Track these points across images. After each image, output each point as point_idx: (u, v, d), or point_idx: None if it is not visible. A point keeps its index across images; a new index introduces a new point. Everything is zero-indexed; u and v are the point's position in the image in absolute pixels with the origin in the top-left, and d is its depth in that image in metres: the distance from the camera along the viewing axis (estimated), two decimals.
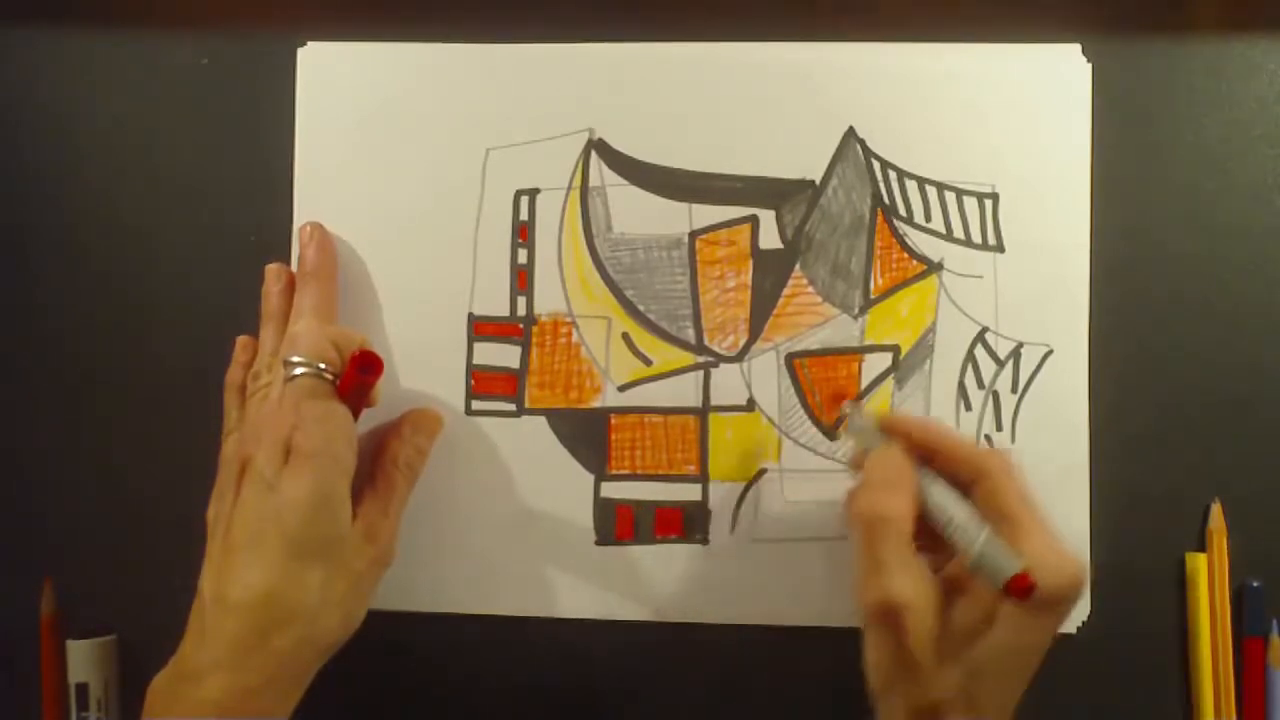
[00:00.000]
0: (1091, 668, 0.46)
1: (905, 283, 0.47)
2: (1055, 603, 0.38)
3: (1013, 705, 0.39)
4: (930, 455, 0.41)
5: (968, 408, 0.47)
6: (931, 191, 0.47)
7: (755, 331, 0.48)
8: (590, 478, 0.48)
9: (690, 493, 0.48)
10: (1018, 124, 0.47)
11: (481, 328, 0.48)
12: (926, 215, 0.47)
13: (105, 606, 0.48)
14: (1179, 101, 0.47)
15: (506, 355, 0.48)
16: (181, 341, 0.48)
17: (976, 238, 0.47)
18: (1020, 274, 0.47)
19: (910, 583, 0.38)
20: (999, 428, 0.47)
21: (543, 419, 0.48)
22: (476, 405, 0.48)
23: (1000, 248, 0.47)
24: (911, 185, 0.47)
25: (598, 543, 0.47)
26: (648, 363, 0.48)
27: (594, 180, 0.48)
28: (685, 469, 0.48)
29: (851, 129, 0.47)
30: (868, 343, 0.47)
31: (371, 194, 0.48)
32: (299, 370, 0.41)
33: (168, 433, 0.48)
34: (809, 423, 0.47)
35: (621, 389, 0.48)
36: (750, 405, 0.48)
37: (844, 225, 0.48)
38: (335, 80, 0.48)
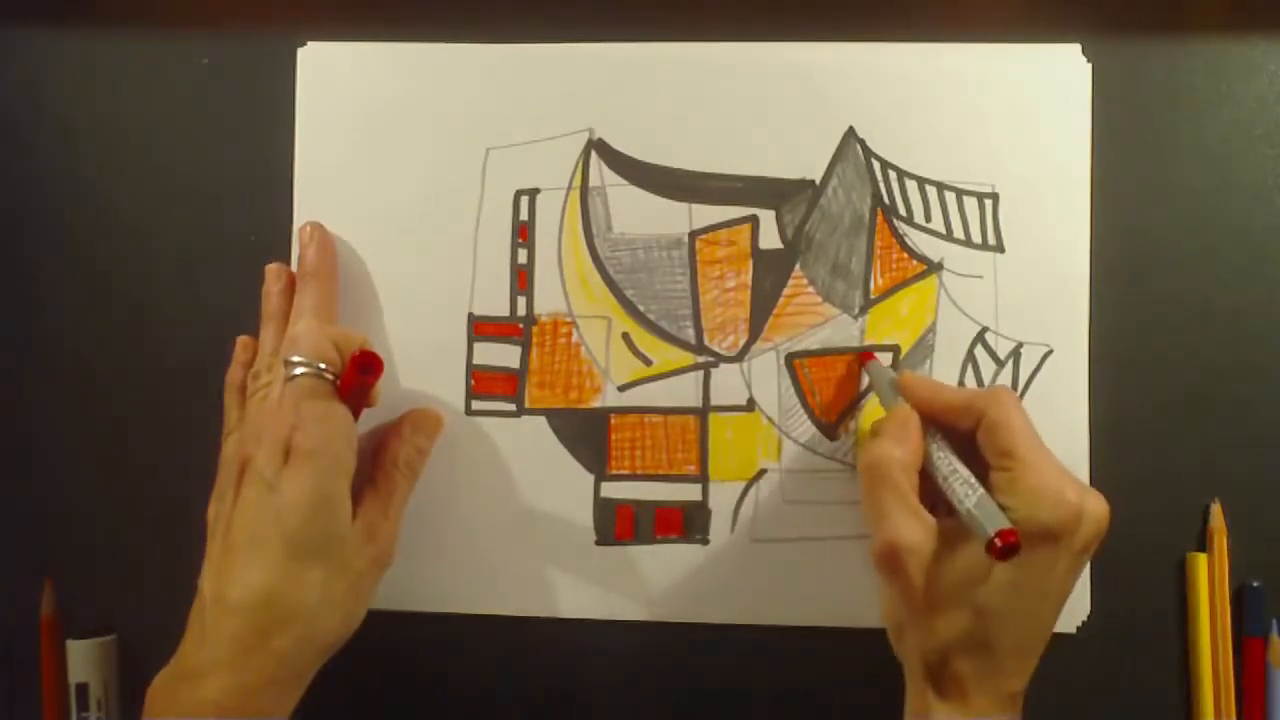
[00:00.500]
0: (1091, 668, 0.46)
1: (905, 283, 0.47)
2: (1052, 538, 0.37)
3: (1033, 654, 0.39)
4: (938, 414, 0.42)
5: None
6: (931, 191, 0.47)
7: (755, 331, 0.48)
8: (590, 478, 0.48)
9: (690, 493, 0.48)
10: (1018, 124, 0.47)
11: (481, 328, 0.48)
12: (926, 215, 0.47)
13: (105, 606, 0.48)
14: (1179, 101, 0.47)
15: (506, 355, 0.48)
16: (181, 341, 0.48)
17: (976, 238, 0.47)
18: (1020, 274, 0.47)
19: (910, 526, 0.38)
20: None
21: (543, 419, 0.48)
22: (476, 405, 0.48)
23: (1000, 248, 0.47)
24: (911, 185, 0.47)
25: (598, 543, 0.47)
26: (648, 363, 0.48)
27: (594, 180, 0.48)
28: (685, 469, 0.48)
29: (851, 129, 0.47)
30: (868, 343, 0.47)
31: (371, 194, 0.48)
32: (299, 370, 0.41)
33: (168, 432, 0.48)
34: (809, 423, 0.47)
35: (621, 389, 0.48)
36: (750, 405, 0.48)
37: (844, 225, 0.48)
38: (335, 80, 0.48)
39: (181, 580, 0.41)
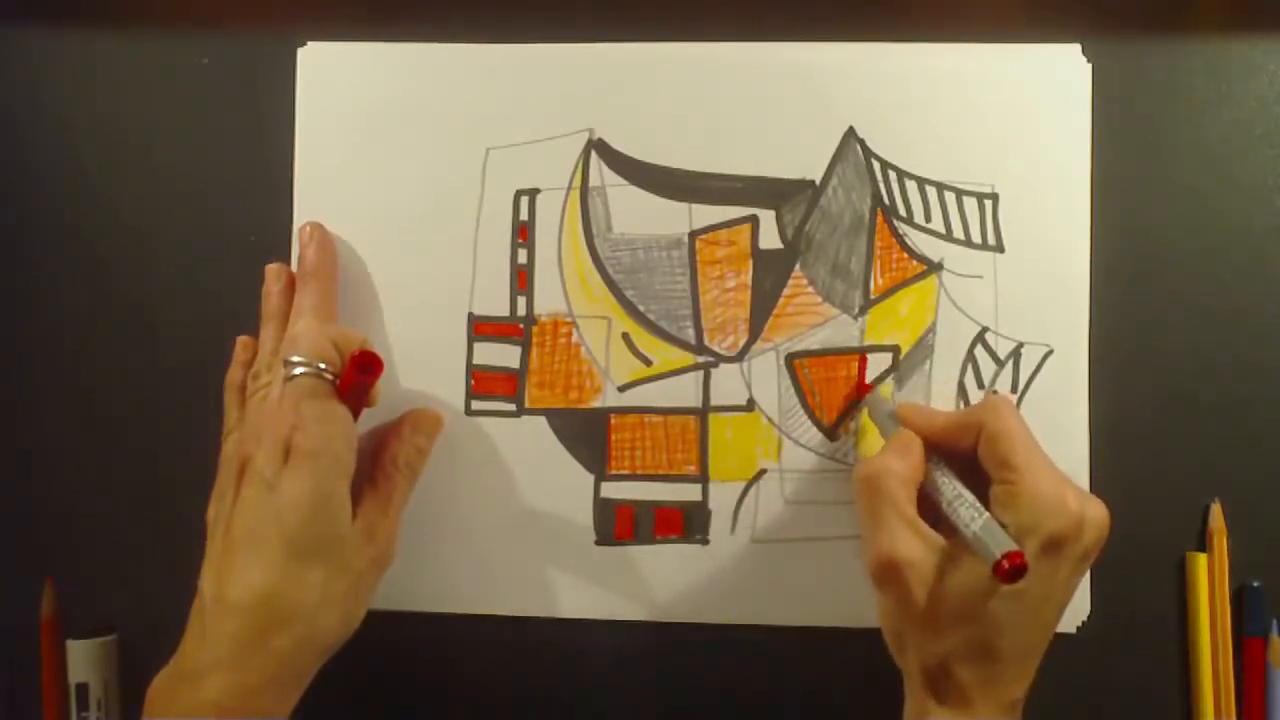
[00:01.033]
0: (1091, 668, 0.46)
1: (905, 283, 0.47)
2: (1054, 546, 0.37)
3: (1034, 659, 0.39)
4: (939, 437, 0.42)
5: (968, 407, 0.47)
6: (931, 191, 0.47)
7: (755, 331, 0.48)
8: (590, 478, 0.48)
9: (690, 493, 0.48)
10: (1018, 124, 0.47)
11: (481, 328, 0.48)
12: (926, 215, 0.47)
13: (105, 606, 0.48)
14: (1179, 101, 0.47)
15: (506, 355, 0.48)
16: (181, 341, 0.48)
17: (976, 238, 0.47)
18: (1020, 274, 0.47)
19: (908, 540, 0.38)
20: None
21: (543, 419, 0.48)
22: (476, 405, 0.48)
23: (1000, 248, 0.47)
24: (911, 185, 0.47)
25: (598, 543, 0.47)
26: (648, 363, 0.48)
27: (594, 180, 0.48)
28: (685, 469, 0.48)
29: (851, 129, 0.47)
30: (868, 343, 0.47)
31: (371, 194, 0.48)
32: (299, 370, 0.41)
33: (167, 433, 0.48)
34: (809, 423, 0.47)
35: (621, 389, 0.48)
36: (750, 405, 0.48)
37: (844, 225, 0.48)
38: (335, 80, 0.48)
39: (181, 580, 0.41)
